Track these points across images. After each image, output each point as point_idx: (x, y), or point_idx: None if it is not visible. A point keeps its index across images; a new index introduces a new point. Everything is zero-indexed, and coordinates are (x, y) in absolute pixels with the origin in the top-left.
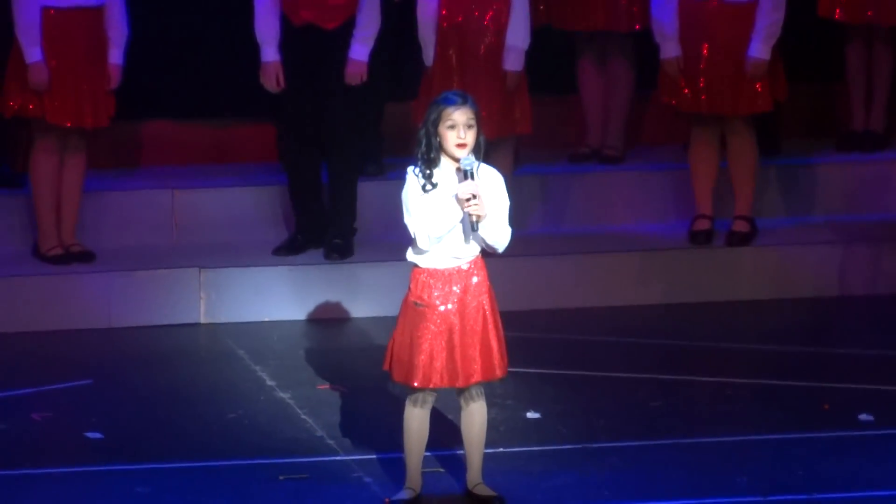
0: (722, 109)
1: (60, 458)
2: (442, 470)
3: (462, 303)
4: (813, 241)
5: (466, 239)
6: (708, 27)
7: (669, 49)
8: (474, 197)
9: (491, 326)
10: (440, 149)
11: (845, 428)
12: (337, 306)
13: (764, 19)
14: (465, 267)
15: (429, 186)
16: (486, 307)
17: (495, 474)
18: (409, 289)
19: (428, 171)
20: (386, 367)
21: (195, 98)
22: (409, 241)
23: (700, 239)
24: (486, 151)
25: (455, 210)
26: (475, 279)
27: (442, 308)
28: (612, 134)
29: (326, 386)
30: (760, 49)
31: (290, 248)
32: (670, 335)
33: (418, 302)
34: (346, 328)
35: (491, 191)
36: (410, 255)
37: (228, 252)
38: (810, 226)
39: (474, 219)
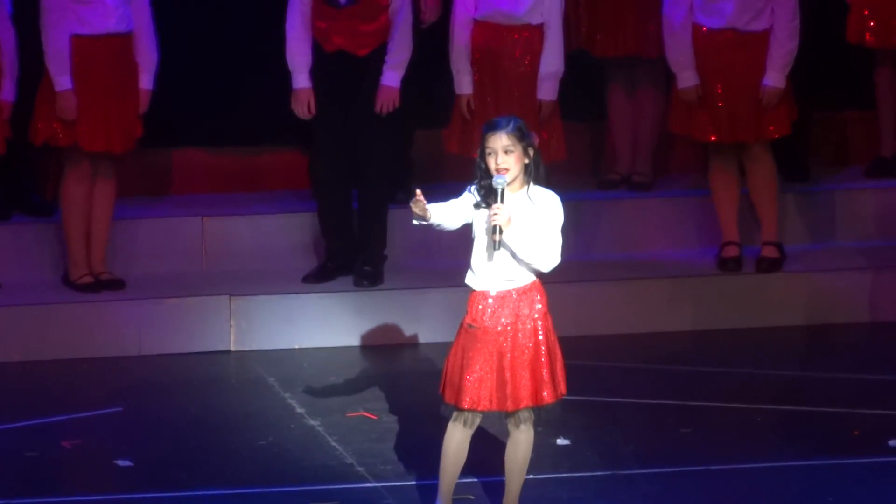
0: (744, 137)
1: (90, 485)
2: (472, 497)
3: (514, 326)
4: (843, 268)
5: (490, 255)
6: (724, 56)
7: (687, 78)
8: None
9: (543, 351)
10: (489, 175)
11: (875, 454)
12: (367, 333)
13: (779, 48)
14: (519, 290)
15: (483, 206)
16: (539, 331)
17: (525, 501)
18: (466, 311)
19: (483, 193)
20: (441, 389)
21: (225, 125)
22: (458, 268)
23: (730, 266)
24: (538, 172)
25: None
26: (529, 303)
27: (493, 331)
28: (641, 161)
29: (357, 413)
30: (776, 78)
31: (320, 275)
32: (700, 361)
33: (472, 324)
34: (375, 355)
35: (541, 209)
36: (468, 278)
37: (258, 279)
38: (840, 252)
39: (496, 236)
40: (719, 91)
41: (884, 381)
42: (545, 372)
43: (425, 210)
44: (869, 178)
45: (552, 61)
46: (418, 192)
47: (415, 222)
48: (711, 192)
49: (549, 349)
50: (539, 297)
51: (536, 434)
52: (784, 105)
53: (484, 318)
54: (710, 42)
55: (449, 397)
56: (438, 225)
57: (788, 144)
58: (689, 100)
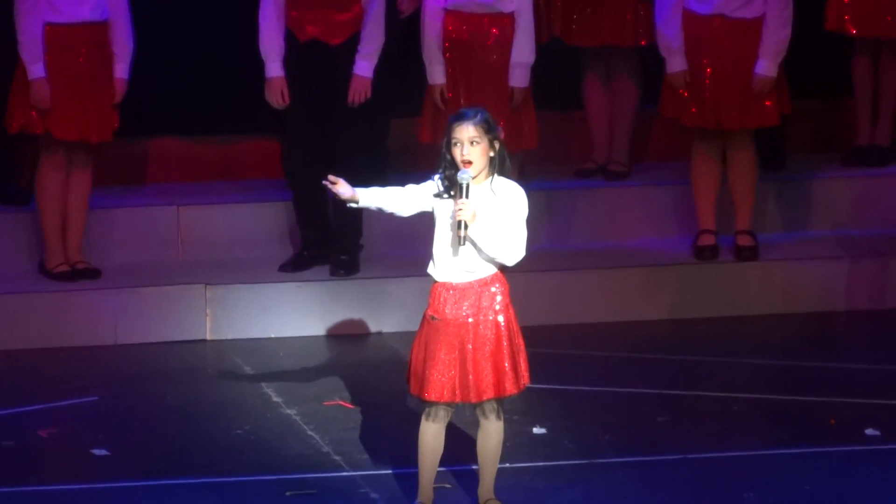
0: (730, 125)
1: (66, 474)
2: (448, 486)
3: (476, 318)
4: (819, 256)
5: (455, 250)
6: (713, 43)
7: (676, 63)
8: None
9: (505, 343)
10: (454, 166)
11: (852, 443)
12: (342, 322)
13: (772, 36)
14: (480, 282)
15: (445, 196)
16: (500, 323)
17: (501, 490)
18: (428, 302)
19: (447, 183)
20: (407, 381)
21: (201, 114)
22: (428, 257)
23: (706, 254)
24: (503, 165)
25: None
26: (490, 295)
27: (455, 323)
28: (617, 149)
29: (333, 402)
30: (768, 66)
31: (296, 264)
32: (676, 350)
33: (434, 316)
34: (352, 344)
35: (505, 202)
36: (430, 268)
37: (234, 269)
38: (816, 240)
39: (462, 231)
40: (707, 77)
41: (860, 369)
42: (507, 364)
43: (338, 194)
44: (845, 166)
45: (523, 49)
46: (330, 177)
47: (347, 205)
48: (692, 179)
49: (510, 341)
50: (501, 289)
51: (513, 422)
52: (774, 94)
53: (445, 309)
54: (699, 28)
55: (414, 388)
56: (379, 208)
57: (765, 133)
58: (677, 85)
